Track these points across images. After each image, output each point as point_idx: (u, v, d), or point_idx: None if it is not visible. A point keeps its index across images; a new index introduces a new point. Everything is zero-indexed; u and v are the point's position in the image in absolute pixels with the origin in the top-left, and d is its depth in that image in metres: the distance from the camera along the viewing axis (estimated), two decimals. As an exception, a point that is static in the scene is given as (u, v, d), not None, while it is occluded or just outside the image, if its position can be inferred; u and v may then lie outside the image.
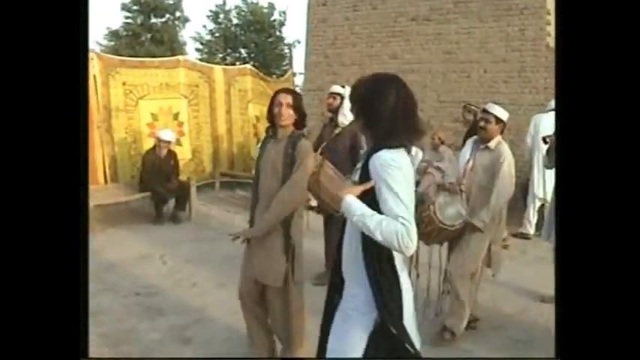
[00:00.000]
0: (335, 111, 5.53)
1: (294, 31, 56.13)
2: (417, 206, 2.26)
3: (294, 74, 13.46)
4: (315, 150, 4.07)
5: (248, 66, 11.93)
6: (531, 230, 7.35)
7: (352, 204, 2.01)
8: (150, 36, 24.07)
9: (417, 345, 2.19)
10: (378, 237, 1.96)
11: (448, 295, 4.30)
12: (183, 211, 8.33)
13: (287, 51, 25.42)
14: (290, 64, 20.40)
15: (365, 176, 2.10)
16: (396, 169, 2.02)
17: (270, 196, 3.40)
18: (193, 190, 8.41)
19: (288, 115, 3.40)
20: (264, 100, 8.83)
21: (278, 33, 26.08)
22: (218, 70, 10.65)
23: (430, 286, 4.35)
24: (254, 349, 3.72)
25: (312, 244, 4.97)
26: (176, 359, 3.87)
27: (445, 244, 4.30)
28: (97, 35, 46.70)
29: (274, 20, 25.82)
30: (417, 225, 3.91)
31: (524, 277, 5.56)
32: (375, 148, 2.10)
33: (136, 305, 4.81)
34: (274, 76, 17.72)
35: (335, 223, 4.17)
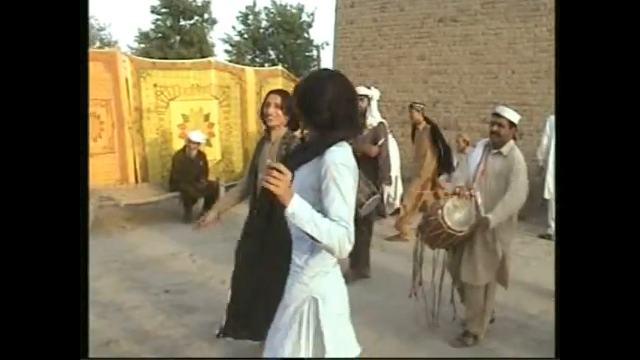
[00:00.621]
0: (362, 113, 5.41)
1: (323, 32, 56.19)
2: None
3: (321, 75, 13.48)
4: None
5: (280, 67, 12.00)
6: (554, 231, 7.29)
7: (302, 206, 1.91)
8: (179, 38, 24.36)
9: (354, 351, 2.18)
10: (324, 241, 1.91)
11: (461, 302, 4.31)
12: (211, 210, 8.44)
13: (315, 52, 25.48)
14: (318, 65, 20.42)
15: (301, 163, 2.07)
16: (347, 169, 2.01)
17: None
18: (222, 190, 8.50)
19: (276, 116, 3.42)
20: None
21: (306, 34, 26.15)
22: (249, 71, 10.73)
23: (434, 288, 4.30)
24: None
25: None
26: (189, 359, 3.95)
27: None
28: (128, 38, 47.31)
29: (303, 22, 25.89)
30: (423, 229, 3.87)
31: (549, 278, 5.52)
32: (323, 143, 2.06)
33: (166, 302, 4.93)
34: (302, 77, 17.79)
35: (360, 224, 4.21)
